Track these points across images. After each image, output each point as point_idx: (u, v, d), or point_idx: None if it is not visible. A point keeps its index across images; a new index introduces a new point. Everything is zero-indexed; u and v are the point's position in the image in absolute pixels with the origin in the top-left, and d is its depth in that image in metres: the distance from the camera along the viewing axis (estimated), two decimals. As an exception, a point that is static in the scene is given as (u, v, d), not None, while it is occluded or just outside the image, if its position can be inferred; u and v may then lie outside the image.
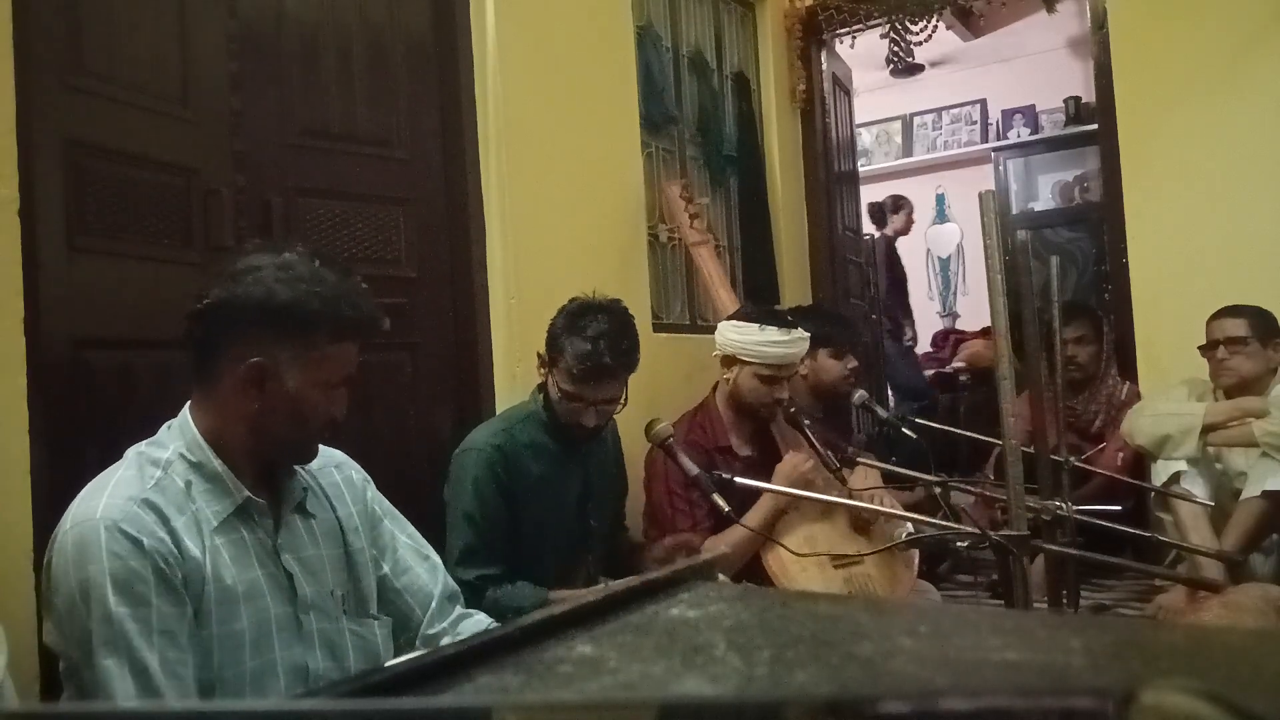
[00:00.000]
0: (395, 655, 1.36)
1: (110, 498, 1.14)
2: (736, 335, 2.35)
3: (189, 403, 1.26)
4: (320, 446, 1.41)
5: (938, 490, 1.90)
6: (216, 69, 1.95)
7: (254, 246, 1.30)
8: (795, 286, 3.81)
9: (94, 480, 1.20)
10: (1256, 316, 2.57)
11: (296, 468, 1.33)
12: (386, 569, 1.41)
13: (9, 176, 1.49)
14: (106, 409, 1.67)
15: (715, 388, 2.47)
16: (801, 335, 2.36)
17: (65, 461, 1.54)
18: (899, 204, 5.25)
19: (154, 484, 1.17)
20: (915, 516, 1.85)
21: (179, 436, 1.23)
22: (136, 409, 1.70)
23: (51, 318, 1.57)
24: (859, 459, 2.45)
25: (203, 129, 1.91)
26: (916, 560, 2.33)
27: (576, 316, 1.97)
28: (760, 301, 3.21)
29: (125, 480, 1.17)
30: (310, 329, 1.22)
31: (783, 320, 2.38)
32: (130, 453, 1.23)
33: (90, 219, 1.68)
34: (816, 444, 2.29)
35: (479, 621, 1.45)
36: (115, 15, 1.76)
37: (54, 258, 1.59)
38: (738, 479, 1.82)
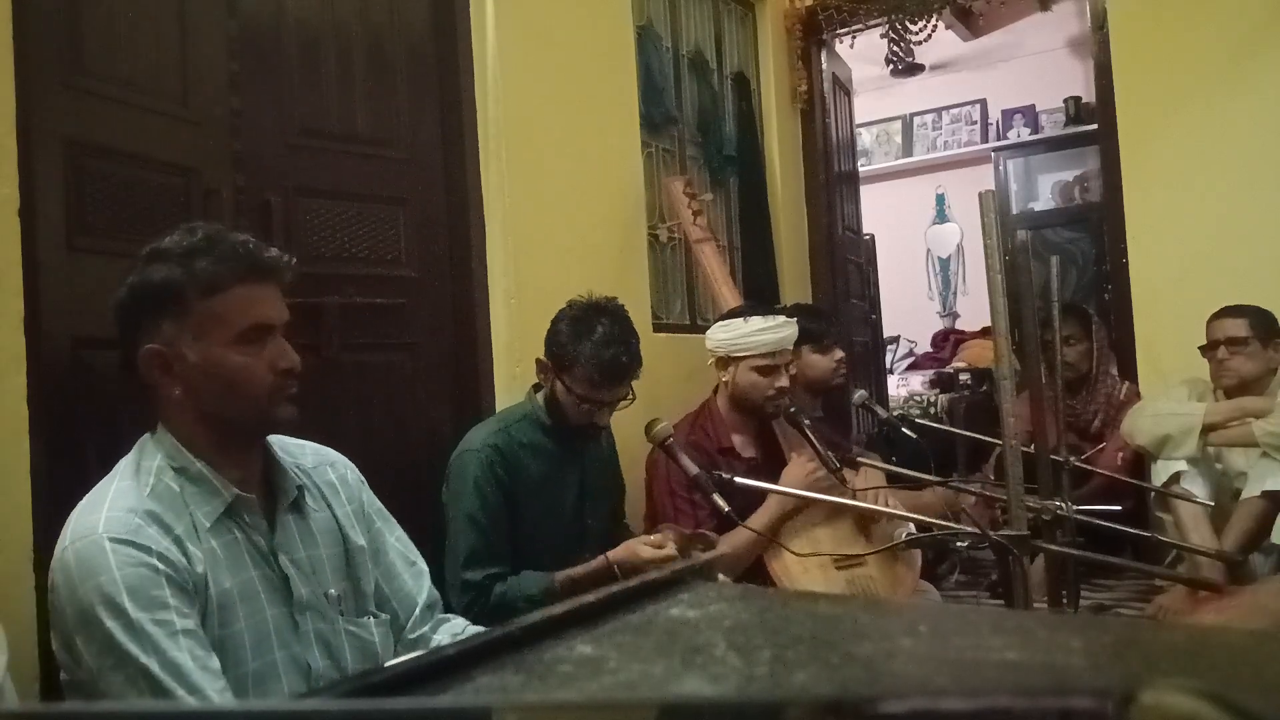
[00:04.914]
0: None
1: (110, 510, 1.13)
2: (726, 334, 2.38)
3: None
4: (314, 445, 1.41)
5: (949, 489, 1.90)
6: (216, 69, 1.95)
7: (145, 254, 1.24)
8: (795, 286, 3.81)
9: (90, 493, 1.19)
10: (1257, 316, 2.57)
11: (290, 469, 1.32)
12: (377, 572, 1.40)
13: (9, 176, 1.49)
14: (106, 409, 1.66)
15: (716, 390, 2.47)
16: (788, 320, 2.42)
17: (65, 461, 1.54)
18: None
19: (150, 491, 1.16)
20: (916, 516, 1.85)
21: (159, 445, 1.23)
22: (136, 409, 1.70)
23: (51, 318, 1.56)
24: (861, 459, 2.45)
25: (203, 129, 1.91)
26: (919, 561, 2.33)
27: (581, 321, 1.99)
28: (760, 302, 3.21)
29: (122, 491, 1.16)
30: (178, 296, 1.18)
31: (766, 309, 2.45)
32: (123, 463, 1.22)
33: (90, 219, 1.67)
34: (817, 444, 2.29)
35: (456, 625, 1.46)
36: (115, 15, 1.76)
37: (54, 258, 1.59)
38: (738, 479, 1.82)
